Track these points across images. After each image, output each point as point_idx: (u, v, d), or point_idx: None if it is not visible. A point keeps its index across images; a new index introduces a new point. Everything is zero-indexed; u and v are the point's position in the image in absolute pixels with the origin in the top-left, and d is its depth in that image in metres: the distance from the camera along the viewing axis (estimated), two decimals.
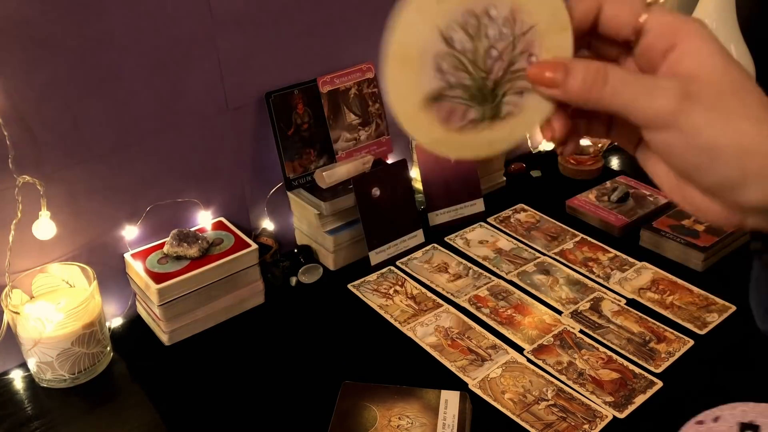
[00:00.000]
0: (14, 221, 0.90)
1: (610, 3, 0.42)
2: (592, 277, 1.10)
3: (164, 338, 1.00)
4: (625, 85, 0.40)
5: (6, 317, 0.91)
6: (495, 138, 0.44)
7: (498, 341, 0.98)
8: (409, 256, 1.17)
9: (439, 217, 1.25)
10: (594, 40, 0.45)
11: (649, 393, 0.88)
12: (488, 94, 0.43)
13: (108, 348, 0.98)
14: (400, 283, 1.11)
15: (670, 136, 0.40)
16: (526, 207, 1.30)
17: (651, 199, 1.28)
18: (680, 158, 0.41)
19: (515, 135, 0.44)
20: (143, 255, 1.02)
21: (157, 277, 0.97)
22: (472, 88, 0.43)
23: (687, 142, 0.40)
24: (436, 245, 1.20)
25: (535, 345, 0.97)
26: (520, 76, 0.43)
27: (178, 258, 1.01)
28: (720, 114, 0.39)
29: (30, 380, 0.95)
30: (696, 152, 0.40)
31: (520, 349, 0.96)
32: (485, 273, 1.12)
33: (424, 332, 1.00)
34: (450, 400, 0.86)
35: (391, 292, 1.09)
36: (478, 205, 1.27)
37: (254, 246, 1.04)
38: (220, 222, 1.10)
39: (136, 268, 1.00)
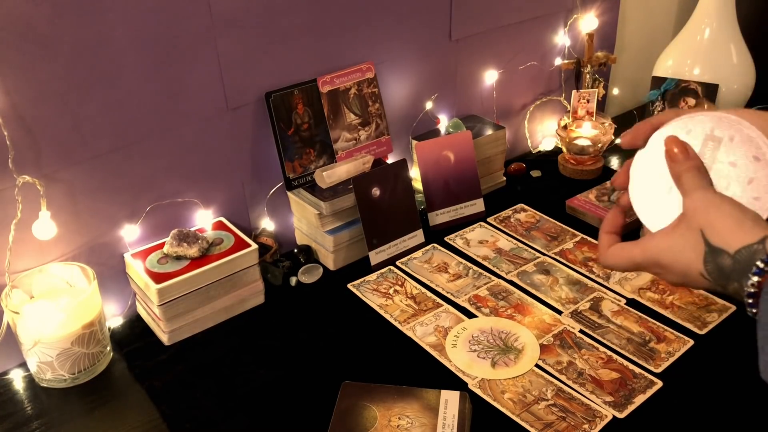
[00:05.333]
0: (14, 221, 0.90)
1: None
2: (592, 277, 1.10)
3: (164, 338, 1.00)
4: None
5: (6, 317, 0.91)
6: None
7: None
8: (409, 256, 1.17)
9: (439, 217, 1.25)
10: None
11: (649, 393, 0.88)
12: None
13: (108, 348, 0.98)
14: (400, 282, 1.11)
15: None
16: (526, 207, 1.31)
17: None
18: None
19: None
20: (143, 255, 1.02)
21: (157, 277, 0.97)
22: None
23: None
24: (436, 245, 1.20)
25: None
26: None
27: (178, 258, 1.01)
28: None
29: (30, 380, 0.95)
30: None
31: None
32: (485, 273, 1.12)
33: (424, 332, 1.00)
34: (450, 400, 0.86)
35: (391, 292, 1.09)
36: (478, 205, 1.27)
37: (254, 246, 1.04)
38: (220, 222, 1.10)
39: (136, 268, 1.00)
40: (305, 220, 1.17)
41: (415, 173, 1.28)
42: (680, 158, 0.60)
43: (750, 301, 0.52)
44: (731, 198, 0.58)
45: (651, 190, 0.64)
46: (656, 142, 0.64)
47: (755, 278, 0.51)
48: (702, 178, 0.59)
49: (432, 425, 0.83)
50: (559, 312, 1.03)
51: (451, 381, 0.91)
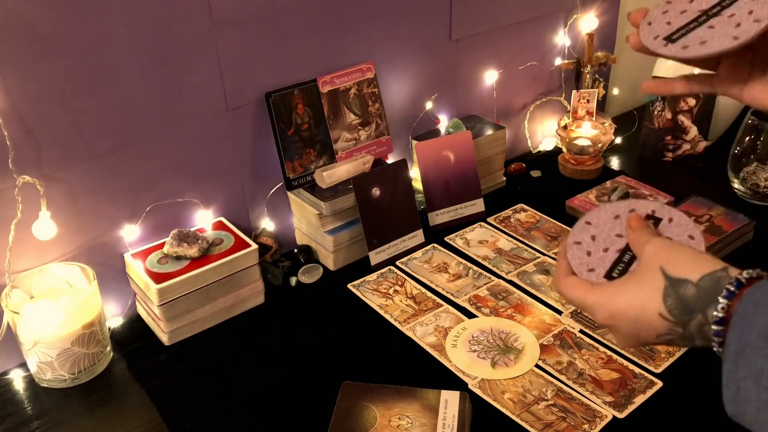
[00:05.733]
0: (14, 221, 0.90)
1: None
2: None
3: (164, 338, 1.00)
4: None
5: (6, 317, 0.91)
6: None
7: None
8: (409, 256, 1.17)
9: (439, 217, 1.25)
10: None
11: (649, 393, 0.88)
12: None
13: (108, 348, 0.98)
14: (400, 283, 1.11)
15: None
16: (526, 207, 1.31)
17: (651, 198, 1.28)
18: None
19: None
20: (143, 255, 1.02)
21: (157, 277, 0.97)
22: None
23: None
24: (436, 245, 1.20)
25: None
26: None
27: (178, 258, 1.01)
28: None
29: (30, 380, 0.95)
30: None
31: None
32: (485, 273, 1.12)
33: (424, 332, 1.00)
34: (450, 400, 0.86)
35: (391, 292, 1.09)
36: (478, 205, 1.27)
37: (254, 246, 1.04)
38: (220, 222, 1.10)
39: (136, 268, 1.00)
40: (305, 220, 1.17)
41: (415, 173, 1.28)
42: (637, 226, 0.61)
43: (716, 328, 0.50)
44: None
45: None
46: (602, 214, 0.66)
47: (725, 301, 0.50)
48: (656, 233, 0.61)
49: (432, 425, 0.83)
50: (559, 312, 1.03)
51: (451, 381, 0.91)
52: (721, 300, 0.50)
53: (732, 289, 0.50)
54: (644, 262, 0.57)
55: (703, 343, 0.53)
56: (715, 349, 0.51)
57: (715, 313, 0.50)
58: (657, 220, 0.63)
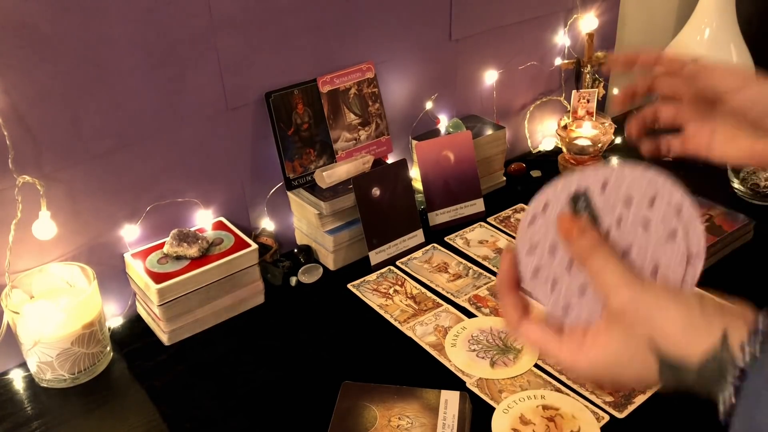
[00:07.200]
0: (14, 221, 0.90)
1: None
2: None
3: (164, 338, 1.00)
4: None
5: (6, 317, 0.91)
6: None
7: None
8: (409, 256, 1.17)
9: (439, 217, 1.25)
10: None
11: (649, 393, 0.88)
12: None
13: (108, 348, 0.98)
14: (399, 282, 1.11)
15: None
16: (526, 207, 1.31)
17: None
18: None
19: None
20: (143, 255, 1.02)
21: (157, 277, 0.97)
22: None
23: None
24: (436, 245, 1.20)
25: None
26: None
27: (178, 258, 1.01)
28: None
29: (30, 380, 0.95)
30: None
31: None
32: (485, 273, 1.12)
33: (424, 332, 1.00)
34: (450, 400, 0.86)
35: (390, 291, 1.09)
36: (478, 205, 1.27)
37: (254, 246, 1.04)
38: (220, 222, 1.10)
39: (136, 268, 1.00)
40: (305, 220, 1.17)
41: (415, 173, 1.28)
42: (575, 235, 0.51)
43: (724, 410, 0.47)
44: (664, 287, 0.48)
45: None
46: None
47: (728, 393, 0.46)
48: (622, 267, 0.48)
49: (432, 425, 0.83)
50: None
51: (451, 381, 0.91)
52: (728, 386, 0.45)
53: (735, 382, 0.45)
54: (622, 324, 0.47)
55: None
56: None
57: (721, 401, 0.46)
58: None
